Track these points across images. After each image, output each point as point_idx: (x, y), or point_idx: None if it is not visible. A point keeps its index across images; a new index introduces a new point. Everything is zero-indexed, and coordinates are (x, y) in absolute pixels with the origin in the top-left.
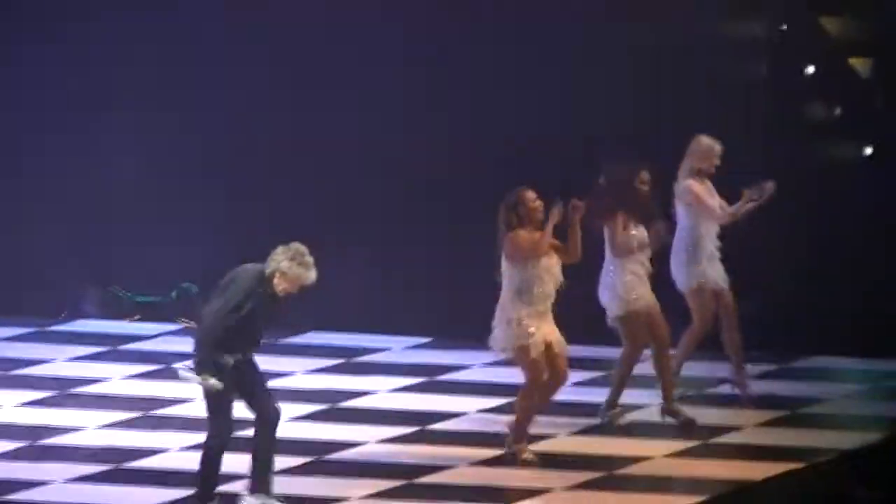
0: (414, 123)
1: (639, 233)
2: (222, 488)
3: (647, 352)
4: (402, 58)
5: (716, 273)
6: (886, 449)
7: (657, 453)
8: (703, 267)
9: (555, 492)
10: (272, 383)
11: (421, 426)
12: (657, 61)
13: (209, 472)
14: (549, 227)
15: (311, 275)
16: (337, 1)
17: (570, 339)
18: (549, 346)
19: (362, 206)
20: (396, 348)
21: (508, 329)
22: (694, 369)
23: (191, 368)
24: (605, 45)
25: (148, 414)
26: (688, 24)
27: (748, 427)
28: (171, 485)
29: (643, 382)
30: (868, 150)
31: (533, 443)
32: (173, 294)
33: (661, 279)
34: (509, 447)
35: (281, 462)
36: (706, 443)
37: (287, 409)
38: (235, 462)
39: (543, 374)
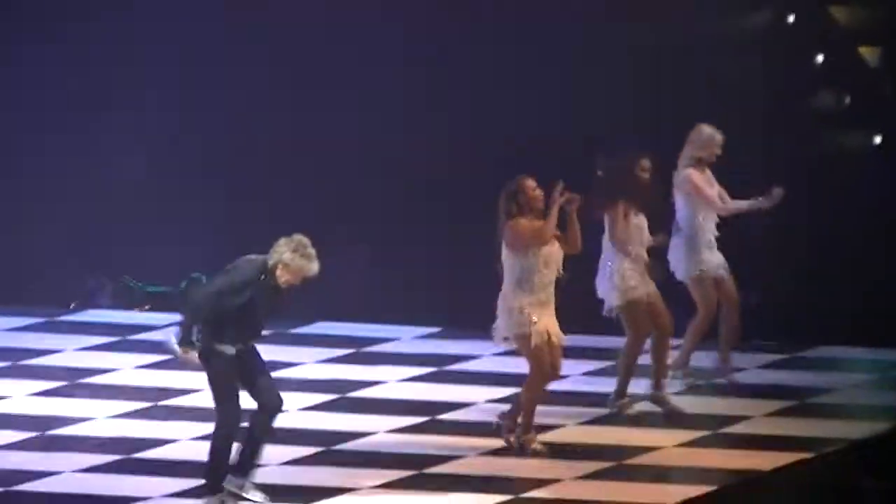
0: (414, 122)
1: (639, 221)
2: None
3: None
4: (402, 58)
5: (716, 261)
6: (895, 439)
7: (666, 443)
8: (703, 255)
9: (564, 482)
10: (282, 373)
11: (430, 416)
12: (657, 61)
13: (218, 462)
14: (554, 211)
15: (314, 266)
16: (337, 1)
17: (576, 328)
18: (548, 337)
19: (369, 198)
20: (406, 338)
21: (510, 318)
22: (702, 359)
23: (177, 340)
24: (605, 45)
25: (158, 404)
26: (688, 24)
27: (757, 417)
28: (180, 475)
29: (650, 372)
30: (877, 140)
31: (542, 433)
32: (183, 284)
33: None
34: (516, 440)
35: (290, 452)
36: (715, 433)
37: (297, 399)
38: None
39: (547, 361)
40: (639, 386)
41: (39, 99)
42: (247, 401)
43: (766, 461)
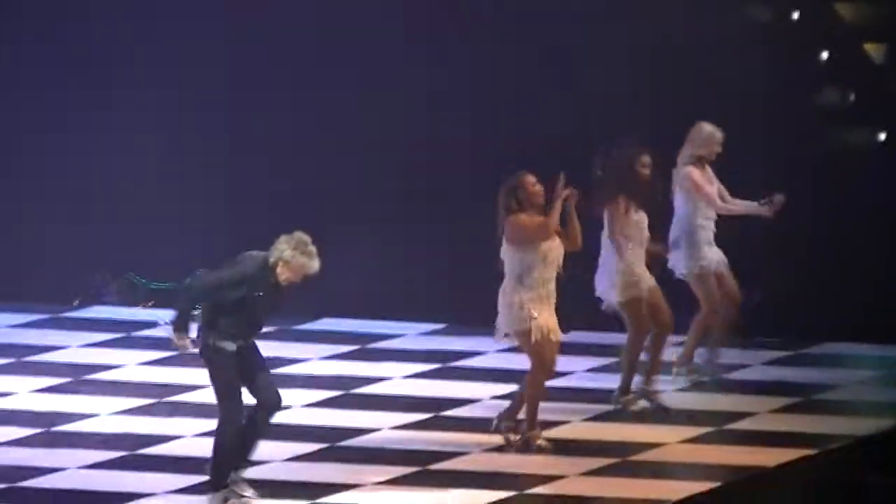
0: (415, 121)
1: (639, 217)
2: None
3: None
4: (402, 58)
5: (716, 257)
6: None
7: (671, 440)
8: (703, 252)
9: (568, 478)
10: (287, 369)
11: (435, 412)
12: (657, 61)
13: (222, 458)
14: (558, 205)
15: (315, 264)
16: (337, 1)
17: (580, 324)
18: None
19: (372, 196)
20: (411, 334)
21: (510, 313)
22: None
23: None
24: (605, 45)
25: (162, 400)
26: (691, 21)
27: (761, 413)
28: (184, 471)
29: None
30: (882, 137)
31: (547, 429)
32: (187, 281)
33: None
34: (521, 436)
35: (295, 448)
36: (720, 429)
37: (301, 395)
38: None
39: (548, 357)
40: (641, 382)
41: (39, 99)
42: (246, 397)
43: (770, 458)
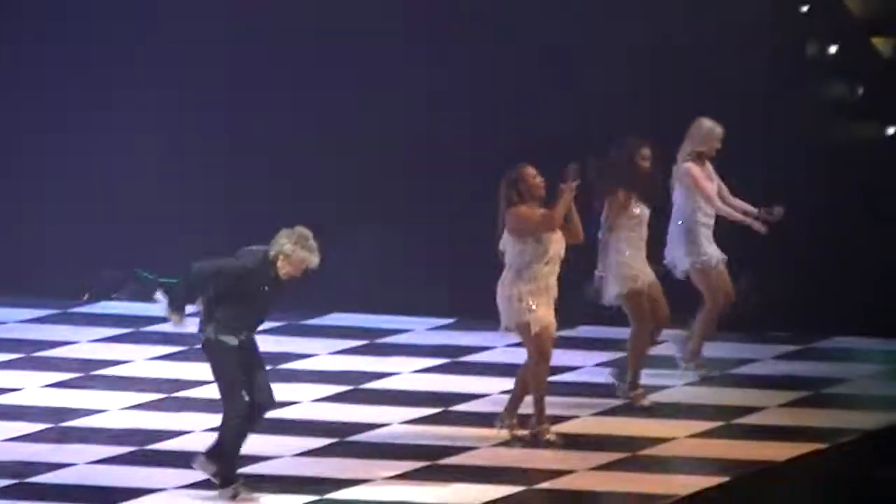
0: (415, 121)
1: (641, 212)
2: (245, 470)
3: (665, 331)
4: (402, 58)
5: (716, 253)
6: None
7: (680, 434)
8: (703, 247)
9: (577, 472)
10: (296, 364)
11: (444, 407)
12: (657, 61)
13: (230, 454)
14: (567, 196)
15: (315, 259)
16: (337, 1)
17: (587, 319)
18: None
19: (379, 192)
20: (419, 329)
21: (509, 306)
22: (715, 350)
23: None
24: (605, 45)
25: (171, 396)
26: (700, 15)
27: (771, 408)
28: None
29: (665, 363)
30: (890, 130)
31: (555, 424)
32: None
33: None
34: (531, 430)
35: (304, 443)
36: (729, 424)
37: (310, 390)
38: (257, 444)
39: (549, 348)
40: (653, 377)
41: (39, 99)
42: None
43: (780, 452)
